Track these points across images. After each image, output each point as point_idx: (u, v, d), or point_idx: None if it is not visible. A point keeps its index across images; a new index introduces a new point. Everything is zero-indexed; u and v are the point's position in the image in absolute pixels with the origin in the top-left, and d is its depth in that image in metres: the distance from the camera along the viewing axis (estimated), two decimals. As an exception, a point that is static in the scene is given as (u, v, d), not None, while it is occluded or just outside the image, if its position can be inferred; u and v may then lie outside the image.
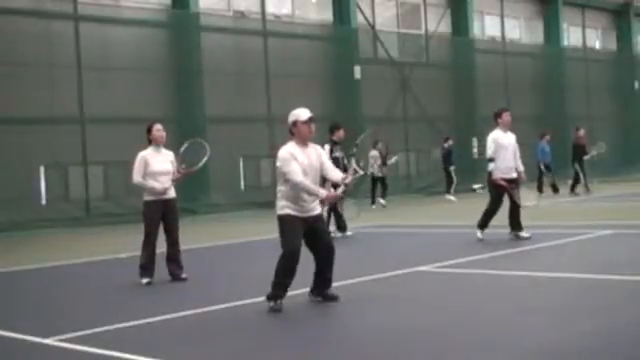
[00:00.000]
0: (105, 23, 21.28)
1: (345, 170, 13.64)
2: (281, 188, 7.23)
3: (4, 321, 7.35)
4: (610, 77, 37.06)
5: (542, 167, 22.54)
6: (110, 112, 20.67)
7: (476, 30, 31.39)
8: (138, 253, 9.34)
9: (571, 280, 8.13)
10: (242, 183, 24.09)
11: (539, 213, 14.38)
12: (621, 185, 23.85)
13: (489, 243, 11.32)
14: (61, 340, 6.28)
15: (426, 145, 28.12)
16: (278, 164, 7.16)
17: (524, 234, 11.55)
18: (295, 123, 7.19)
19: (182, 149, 9.57)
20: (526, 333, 5.75)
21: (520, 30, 34.08)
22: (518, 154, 11.89)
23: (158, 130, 9.26)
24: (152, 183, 9.10)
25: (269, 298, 7.12)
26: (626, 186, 24.01)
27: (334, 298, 7.37)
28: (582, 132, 23.01)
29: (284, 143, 7.32)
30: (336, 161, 13.46)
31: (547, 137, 23.07)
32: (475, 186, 27.68)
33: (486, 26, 32.48)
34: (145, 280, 9.15)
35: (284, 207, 7.22)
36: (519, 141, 12.01)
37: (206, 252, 12.64)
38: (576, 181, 22.40)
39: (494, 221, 11.73)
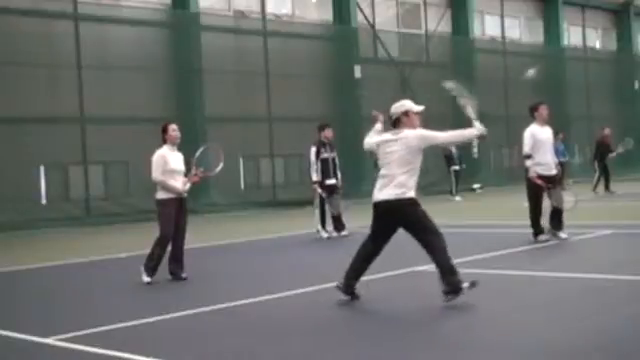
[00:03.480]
0: (105, 23, 21.29)
1: (335, 171, 13.65)
2: (413, 178, 7.10)
3: (4, 321, 7.36)
4: (610, 77, 37.06)
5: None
6: (110, 112, 20.68)
7: (476, 30, 31.40)
8: (138, 253, 9.34)
9: (571, 280, 8.13)
10: (242, 183, 24.10)
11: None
12: (621, 185, 23.81)
13: (488, 243, 11.32)
14: (61, 340, 6.28)
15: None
16: (422, 144, 7.07)
17: (563, 234, 11.04)
18: (407, 112, 7.22)
19: (198, 153, 9.66)
20: (526, 332, 5.75)
21: (520, 30, 34.09)
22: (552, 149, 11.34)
23: (174, 130, 9.36)
24: (174, 183, 9.17)
25: (460, 281, 6.84)
26: (626, 186, 24.00)
27: (359, 297, 7.31)
28: (607, 131, 22.85)
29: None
30: (324, 162, 13.38)
31: (561, 136, 23.12)
32: (475, 186, 27.68)
33: (486, 26, 32.49)
34: (147, 279, 9.11)
35: (413, 189, 7.11)
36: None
37: (206, 252, 12.64)
38: (606, 179, 22.33)
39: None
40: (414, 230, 7.12)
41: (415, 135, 7.09)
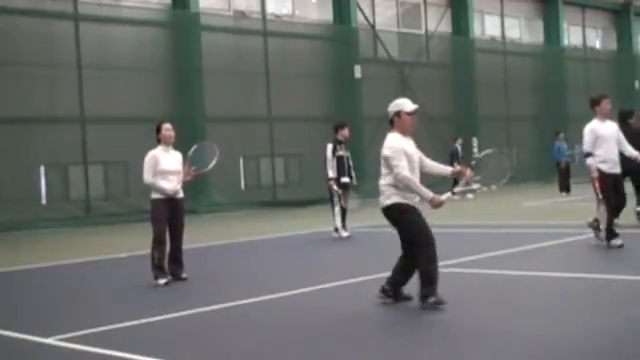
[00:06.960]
0: (105, 23, 21.30)
1: (349, 169, 13.77)
2: (387, 180, 6.83)
3: (4, 321, 7.36)
4: (610, 77, 37.05)
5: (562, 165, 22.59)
6: (110, 112, 20.69)
7: (476, 30, 31.41)
8: (138, 253, 9.32)
9: (571, 280, 8.13)
10: (242, 182, 24.11)
11: (539, 212, 14.35)
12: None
13: (488, 243, 11.32)
14: (61, 340, 6.28)
15: (426, 144, 28.15)
16: (387, 153, 6.77)
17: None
18: (399, 114, 6.89)
19: (191, 151, 9.58)
20: (526, 332, 5.75)
21: (520, 30, 34.09)
22: (625, 142, 10.34)
23: (167, 130, 9.28)
24: (163, 184, 9.07)
25: (430, 295, 6.63)
26: (626, 186, 23.99)
27: (409, 298, 7.03)
28: None
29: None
30: (340, 160, 13.56)
31: (561, 135, 23.07)
32: (475, 186, 27.67)
33: (486, 26, 32.50)
34: (162, 281, 8.99)
35: (391, 196, 6.82)
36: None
37: (206, 251, 12.64)
38: None
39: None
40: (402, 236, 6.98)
41: (394, 147, 6.78)
